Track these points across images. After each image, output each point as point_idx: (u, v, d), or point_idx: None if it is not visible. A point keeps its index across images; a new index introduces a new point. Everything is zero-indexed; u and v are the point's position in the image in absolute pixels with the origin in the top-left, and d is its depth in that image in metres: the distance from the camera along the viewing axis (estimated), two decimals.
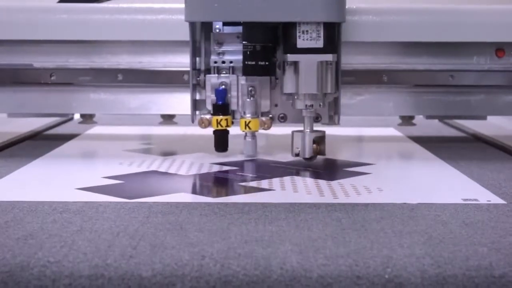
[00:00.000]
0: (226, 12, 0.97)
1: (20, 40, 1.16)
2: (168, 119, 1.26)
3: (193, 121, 1.07)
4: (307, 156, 1.02)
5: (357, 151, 1.24)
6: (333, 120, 1.08)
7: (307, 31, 0.97)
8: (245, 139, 1.07)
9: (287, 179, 0.94)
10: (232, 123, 1.06)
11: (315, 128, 1.03)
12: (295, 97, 1.01)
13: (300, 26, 0.97)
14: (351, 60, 1.16)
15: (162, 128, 1.32)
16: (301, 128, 1.03)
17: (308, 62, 0.98)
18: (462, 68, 1.18)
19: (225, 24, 1.06)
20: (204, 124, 1.06)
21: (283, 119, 1.09)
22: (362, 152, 1.23)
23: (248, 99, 1.05)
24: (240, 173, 0.98)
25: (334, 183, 0.92)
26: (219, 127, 1.05)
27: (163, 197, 0.84)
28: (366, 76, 1.17)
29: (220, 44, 1.07)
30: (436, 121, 1.47)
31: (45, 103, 1.20)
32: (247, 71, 1.04)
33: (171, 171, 0.99)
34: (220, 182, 0.94)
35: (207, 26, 1.07)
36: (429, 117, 1.25)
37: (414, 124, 1.27)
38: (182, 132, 1.35)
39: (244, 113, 1.06)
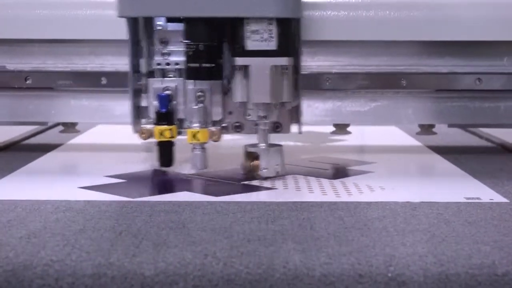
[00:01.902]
0: (164, 6, 0.86)
1: None
2: None
3: (134, 131, 0.94)
4: (264, 175, 0.91)
5: (359, 149, 1.24)
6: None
7: (257, 30, 0.86)
8: (193, 152, 0.94)
9: (289, 178, 0.94)
10: (180, 133, 0.94)
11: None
12: (247, 106, 0.90)
13: (249, 24, 0.86)
14: (364, 62, 1.06)
15: None
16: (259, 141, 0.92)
17: (259, 67, 0.87)
18: (490, 70, 1.05)
19: (168, 20, 0.93)
20: (144, 135, 0.92)
21: (238, 128, 0.96)
22: (365, 151, 1.23)
23: (195, 106, 0.92)
24: (243, 172, 0.98)
25: (337, 182, 0.92)
26: (162, 138, 0.92)
27: (166, 196, 0.84)
28: (382, 79, 1.06)
29: (164, 43, 0.94)
30: (459, 130, 1.33)
31: (20, 110, 1.08)
32: (190, 74, 0.91)
33: (173, 170, 0.99)
34: (222, 181, 0.93)
35: (150, 23, 0.94)
36: (451, 125, 1.12)
37: (434, 133, 1.15)
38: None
39: (191, 122, 0.93)
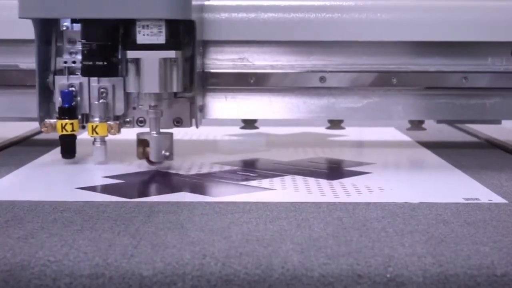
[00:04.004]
0: (60, 8, 0.92)
1: (4, 40, 1.11)
2: None
3: (40, 126, 1.00)
4: (154, 160, 0.97)
5: (358, 150, 1.24)
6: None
7: (147, 26, 0.93)
8: (94, 145, 1.00)
9: (288, 178, 0.94)
10: (84, 127, 1.00)
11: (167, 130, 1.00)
12: (139, 97, 0.98)
13: (140, 20, 0.93)
14: (357, 61, 1.12)
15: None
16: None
17: (149, 59, 0.94)
18: (476, 69, 1.11)
19: (73, 21, 1.00)
20: (47, 128, 0.99)
21: (142, 123, 1.02)
22: (363, 152, 1.23)
23: (96, 102, 0.99)
24: (241, 173, 0.98)
25: (335, 182, 0.92)
26: (64, 132, 0.98)
27: (164, 197, 0.84)
28: (374, 78, 1.11)
29: (72, 43, 1.01)
30: (447, 125, 1.42)
31: (32, 107, 1.07)
32: (85, 71, 0.98)
33: (172, 170, 0.99)
34: (221, 182, 0.93)
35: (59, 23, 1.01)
36: (440, 121, 1.19)
37: (424, 129, 1.20)
38: (183, 133, 1.35)
39: (93, 117, 0.99)
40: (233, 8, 1.08)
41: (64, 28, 1.01)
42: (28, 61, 1.11)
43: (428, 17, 1.09)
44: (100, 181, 0.92)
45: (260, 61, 1.12)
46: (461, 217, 0.74)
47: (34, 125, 1.34)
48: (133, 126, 1.03)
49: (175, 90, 0.96)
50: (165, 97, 0.97)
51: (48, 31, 1.02)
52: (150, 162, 0.98)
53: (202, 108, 1.08)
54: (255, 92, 1.12)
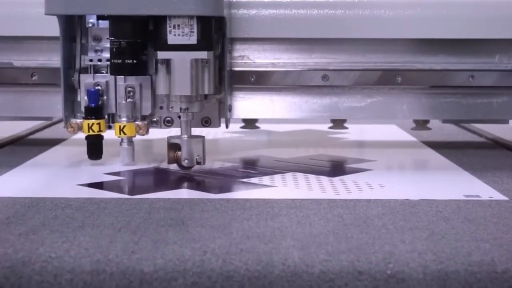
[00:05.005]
0: (88, 4, 0.90)
1: None
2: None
3: (66, 126, 0.98)
4: (185, 165, 0.94)
5: (359, 148, 1.24)
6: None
7: (178, 25, 0.89)
8: (121, 146, 0.97)
9: (288, 175, 0.94)
10: (110, 127, 0.97)
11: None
12: (170, 99, 0.93)
13: (171, 20, 0.89)
14: (361, 59, 1.09)
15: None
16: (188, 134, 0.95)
17: (180, 60, 0.90)
18: (483, 67, 1.08)
19: (99, 18, 0.97)
20: (73, 128, 0.96)
21: (169, 123, 1.00)
22: (364, 149, 1.23)
23: (123, 101, 0.96)
24: (242, 170, 0.98)
25: (336, 179, 0.92)
26: (91, 132, 0.95)
27: (165, 193, 0.84)
28: (377, 76, 1.07)
29: (97, 40, 0.99)
30: (453, 125, 1.40)
31: (26, 106, 1.10)
32: (114, 70, 0.95)
33: (173, 167, 0.99)
34: (221, 179, 0.93)
35: (84, 20, 0.99)
36: (446, 121, 1.16)
37: (429, 129, 1.18)
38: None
39: (120, 116, 0.96)
40: (233, 5, 1.08)
41: (90, 25, 0.98)
42: (22, 59, 1.09)
43: (434, 14, 1.06)
44: (101, 178, 0.92)
45: (260, 59, 1.10)
46: (461, 214, 0.74)
47: (28, 124, 1.34)
48: (160, 127, 1.00)
49: (206, 92, 0.93)
50: (196, 99, 0.93)
51: (72, 28, 0.99)
52: (181, 166, 0.95)
53: (230, 108, 1.05)
54: (255, 91, 1.10)
